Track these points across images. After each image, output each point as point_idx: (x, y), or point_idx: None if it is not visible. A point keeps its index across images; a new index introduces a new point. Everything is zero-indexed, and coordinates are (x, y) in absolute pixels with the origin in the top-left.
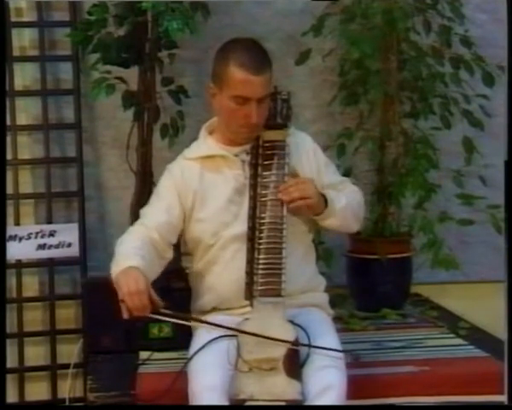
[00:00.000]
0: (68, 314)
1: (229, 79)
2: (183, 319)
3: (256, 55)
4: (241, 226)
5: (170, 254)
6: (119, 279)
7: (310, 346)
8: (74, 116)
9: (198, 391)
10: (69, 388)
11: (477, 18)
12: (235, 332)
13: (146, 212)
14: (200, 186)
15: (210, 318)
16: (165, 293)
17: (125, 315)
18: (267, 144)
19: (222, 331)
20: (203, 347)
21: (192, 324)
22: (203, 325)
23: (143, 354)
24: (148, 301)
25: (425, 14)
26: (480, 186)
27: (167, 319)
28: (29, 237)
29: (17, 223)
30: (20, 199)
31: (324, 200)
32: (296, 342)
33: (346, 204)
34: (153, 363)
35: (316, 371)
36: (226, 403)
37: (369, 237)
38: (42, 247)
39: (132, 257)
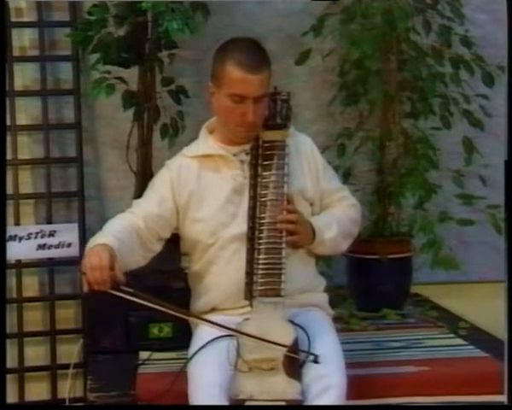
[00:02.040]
0: (68, 314)
1: (226, 78)
2: (144, 299)
3: (254, 54)
4: (240, 226)
5: (157, 247)
6: (86, 254)
7: (308, 353)
8: (74, 116)
9: (198, 391)
10: (69, 388)
11: (477, 18)
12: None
13: (138, 202)
14: (198, 186)
15: (210, 318)
16: (164, 293)
17: (85, 288)
18: (267, 144)
19: (222, 332)
20: (203, 347)
21: (157, 307)
22: (170, 311)
23: (143, 355)
24: (109, 277)
25: (425, 14)
26: (480, 186)
27: (126, 296)
28: (29, 237)
29: (17, 223)
30: (20, 199)
31: (312, 230)
32: (294, 346)
33: (337, 234)
34: (153, 363)
35: (315, 366)
36: (226, 403)
37: (370, 237)
38: (42, 247)
39: (105, 236)
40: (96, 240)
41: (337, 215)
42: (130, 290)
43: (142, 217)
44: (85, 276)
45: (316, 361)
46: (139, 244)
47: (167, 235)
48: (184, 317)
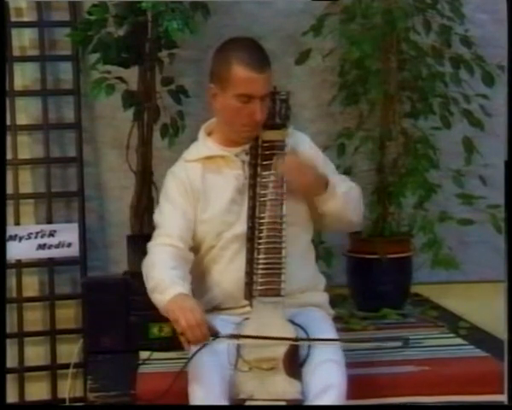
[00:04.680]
0: (68, 314)
1: (232, 78)
2: (239, 338)
3: (257, 53)
4: (242, 226)
5: (192, 257)
6: (173, 310)
7: (310, 340)
8: (74, 116)
9: (198, 391)
10: (69, 388)
11: (477, 18)
12: (239, 331)
13: (162, 221)
14: (203, 187)
15: (210, 317)
16: None
17: (186, 347)
18: (266, 144)
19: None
20: (203, 346)
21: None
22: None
23: (143, 354)
24: (208, 330)
25: (425, 13)
26: (480, 186)
27: (226, 340)
28: (29, 237)
29: (17, 223)
30: (20, 199)
31: (325, 183)
32: (294, 348)
33: (347, 191)
34: (153, 363)
35: (316, 366)
36: (226, 403)
37: (370, 236)
38: (42, 247)
39: (176, 282)
40: (164, 288)
41: (344, 185)
42: (228, 335)
43: (179, 237)
44: (183, 336)
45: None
46: (185, 265)
47: (193, 242)
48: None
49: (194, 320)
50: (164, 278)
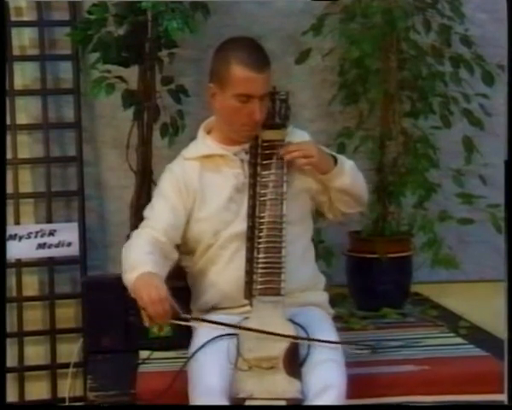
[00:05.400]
0: (68, 314)
1: (231, 78)
2: (202, 322)
3: (256, 52)
4: (241, 225)
5: (175, 255)
6: (138, 287)
7: (309, 339)
8: (74, 115)
9: (198, 390)
10: (69, 387)
11: (477, 17)
12: (239, 330)
13: (150, 214)
14: (200, 186)
15: (210, 317)
16: None
17: (147, 323)
18: (266, 144)
19: (222, 330)
20: (203, 346)
21: (211, 325)
22: (213, 325)
23: (143, 354)
24: (170, 308)
25: (425, 13)
26: (480, 185)
27: (186, 323)
28: (29, 237)
29: (17, 222)
30: (19, 198)
31: (333, 160)
32: (294, 347)
33: (354, 166)
34: (153, 362)
35: (315, 365)
36: (226, 402)
37: (369, 236)
38: (42, 246)
39: (147, 263)
40: (134, 267)
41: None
42: (189, 317)
43: (163, 231)
44: (145, 311)
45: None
46: (164, 258)
47: (180, 240)
48: (236, 331)
49: (156, 296)
50: (137, 258)
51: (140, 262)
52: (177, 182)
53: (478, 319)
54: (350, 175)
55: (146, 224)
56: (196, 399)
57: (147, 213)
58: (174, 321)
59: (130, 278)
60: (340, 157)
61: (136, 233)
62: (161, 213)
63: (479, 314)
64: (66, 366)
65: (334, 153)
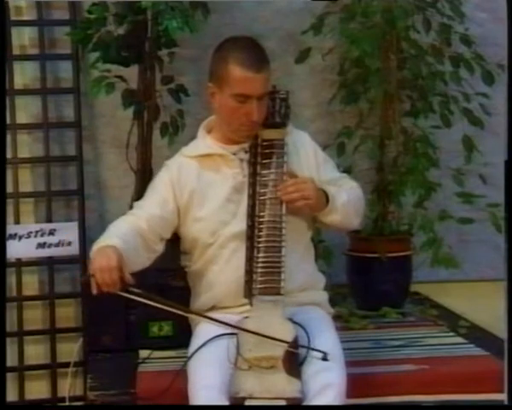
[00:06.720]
0: (68, 313)
1: (229, 78)
2: (152, 300)
3: (255, 52)
4: (240, 225)
5: (159, 248)
6: (94, 256)
7: (308, 348)
8: (74, 115)
9: (198, 390)
10: (69, 386)
11: (477, 16)
12: (235, 330)
13: (139, 203)
14: (198, 185)
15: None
16: (164, 292)
17: (94, 290)
18: (266, 143)
19: (222, 330)
20: (203, 345)
21: (162, 306)
22: (179, 312)
23: (143, 353)
24: (118, 278)
25: (425, 12)
26: (480, 185)
27: (136, 297)
28: (29, 236)
29: (17, 222)
30: (19, 198)
31: (325, 197)
32: (294, 344)
33: (348, 200)
34: (152, 362)
35: (315, 365)
36: (226, 401)
37: (369, 235)
38: (42, 245)
39: (111, 238)
40: (101, 242)
41: (345, 188)
42: (139, 291)
43: (145, 219)
44: (94, 278)
45: (325, 358)
46: (143, 246)
47: (169, 235)
48: (194, 316)
49: (106, 264)
50: (106, 234)
51: (106, 237)
52: (170, 177)
53: (478, 319)
54: (341, 213)
55: (131, 212)
56: (196, 398)
57: (136, 203)
58: (122, 293)
59: (92, 249)
60: (333, 194)
61: (120, 218)
62: (148, 204)
63: (479, 314)
64: (67, 365)
65: (327, 189)
